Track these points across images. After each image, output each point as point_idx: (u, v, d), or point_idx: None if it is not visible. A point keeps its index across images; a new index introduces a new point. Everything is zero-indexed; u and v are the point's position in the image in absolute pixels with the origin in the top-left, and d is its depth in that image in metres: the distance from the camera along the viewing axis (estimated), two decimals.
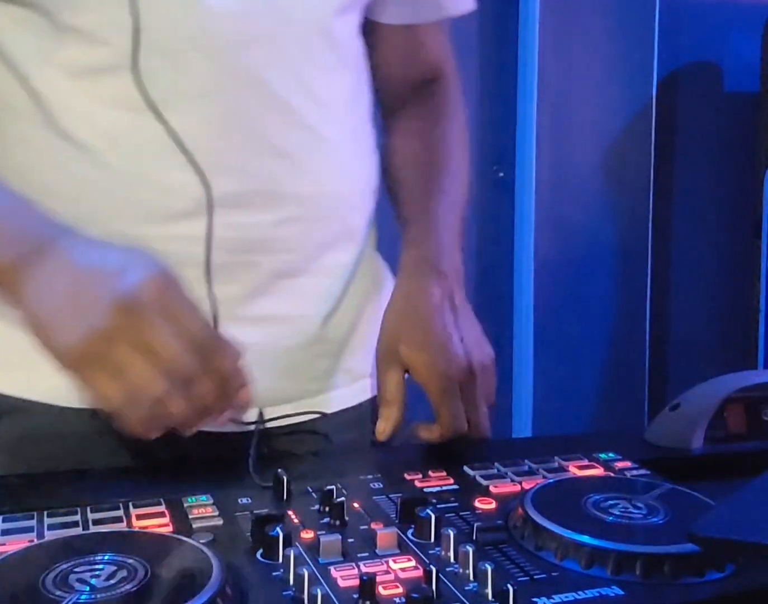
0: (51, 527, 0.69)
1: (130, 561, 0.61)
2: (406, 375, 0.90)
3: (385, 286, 1.06)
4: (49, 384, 0.84)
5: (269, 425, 0.91)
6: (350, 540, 0.67)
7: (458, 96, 1.11)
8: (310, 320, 0.95)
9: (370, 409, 1.01)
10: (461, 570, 0.63)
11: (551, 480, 0.78)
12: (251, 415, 0.87)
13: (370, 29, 1.03)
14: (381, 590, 0.60)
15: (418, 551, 0.66)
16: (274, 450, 0.91)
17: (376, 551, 0.66)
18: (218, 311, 0.86)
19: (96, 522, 0.70)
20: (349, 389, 1.00)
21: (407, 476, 0.80)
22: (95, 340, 0.70)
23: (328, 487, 0.74)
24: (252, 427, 0.87)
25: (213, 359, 0.73)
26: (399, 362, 0.89)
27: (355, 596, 0.59)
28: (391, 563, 0.64)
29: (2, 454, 0.91)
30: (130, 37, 0.82)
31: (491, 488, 0.78)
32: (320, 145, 0.93)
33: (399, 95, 1.09)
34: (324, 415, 0.97)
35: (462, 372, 0.88)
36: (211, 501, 0.74)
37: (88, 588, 0.58)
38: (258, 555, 0.65)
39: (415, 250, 0.96)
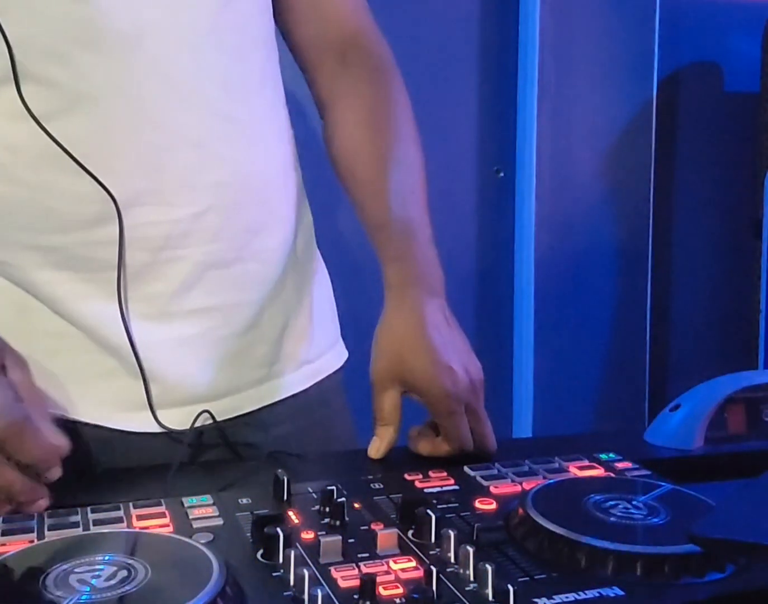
0: (51, 528, 0.69)
1: (131, 562, 0.61)
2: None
3: (321, 269, 1.06)
4: None
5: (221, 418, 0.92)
6: (350, 541, 0.67)
7: (392, 67, 1.06)
8: (245, 308, 0.95)
9: (317, 394, 1.01)
10: (461, 571, 0.63)
11: (552, 481, 0.78)
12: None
13: (279, 9, 1.00)
14: (381, 591, 0.60)
15: (419, 552, 0.66)
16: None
17: (377, 551, 0.66)
18: (130, 315, 0.88)
19: (96, 522, 0.70)
20: (294, 374, 1.00)
21: (407, 477, 0.80)
22: None
23: (329, 487, 0.74)
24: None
25: (15, 447, 0.71)
26: (398, 383, 0.89)
27: (356, 596, 0.59)
28: (391, 564, 0.64)
29: None
30: (15, 46, 0.81)
31: (491, 489, 0.78)
32: (232, 129, 0.91)
33: (320, 66, 1.05)
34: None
35: (466, 390, 0.88)
36: (212, 501, 0.74)
37: (88, 589, 0.58)
38: (258, 555, 0.65)
39: (399, 264, 0.94)
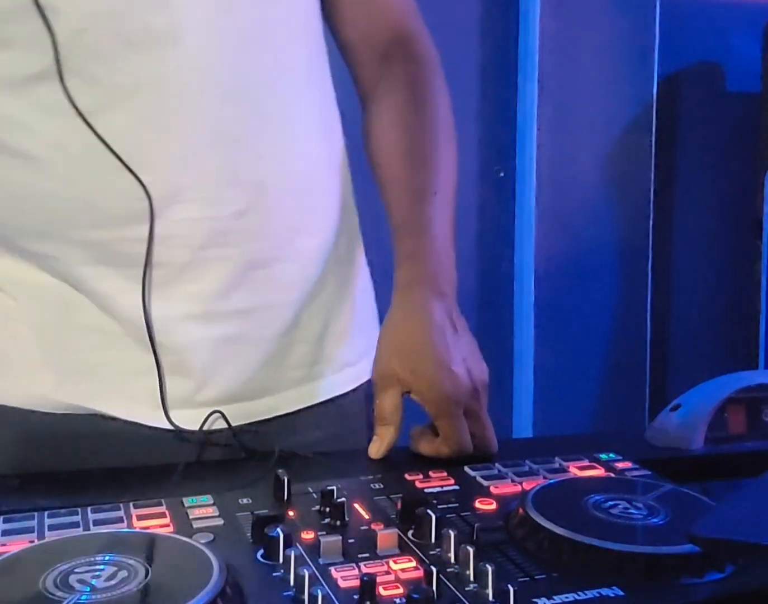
0: (51, 528, 0.69)
1: (131, 562, 0.61)
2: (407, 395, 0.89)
3: (364, 272, 1.05)
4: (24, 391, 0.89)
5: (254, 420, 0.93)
6: (350, 541, 0.67)
7: (435, 69, 1.05)
8: (285, 308, 0.94)
9: (363, 398, 1.01)
10: (462, 571, 0.63)
11: (552, 481, 0.78)
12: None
13: (329, 6, 1.00)
14: (381, 591, 0.60)
15: (419, 552, 0.66)
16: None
17: (377, 551, 0.66)
18: (171, 314, 0.88)
19: (96, 522, 0.70)
20: (335, 376, 0.99)
21: (408, 477, 0.80)
22: None
23: (329, 487, 0.73)
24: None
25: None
26: (398, 383, 0.88)
27: (356, 596, 0.59)
28: (391, 564, 0.64)
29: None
30: (63, 43, 0.81)
31: (492, 489, 0.78)
32: (273, 127, 0.90)
33: (366, 65, 1.04)
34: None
35: (467, 393, 0.87)
36: (212, 501, 0.74)
37: (88, 589, 0.58)
38: (258, 556, 0.65)
39: (413, 265, 0.93)
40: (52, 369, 0.90)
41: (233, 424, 0.91)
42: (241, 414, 0.92)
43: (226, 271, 0.90)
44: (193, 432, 0.90)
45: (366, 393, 1.02)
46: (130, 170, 0.83)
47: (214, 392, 0.92)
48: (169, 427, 0.91)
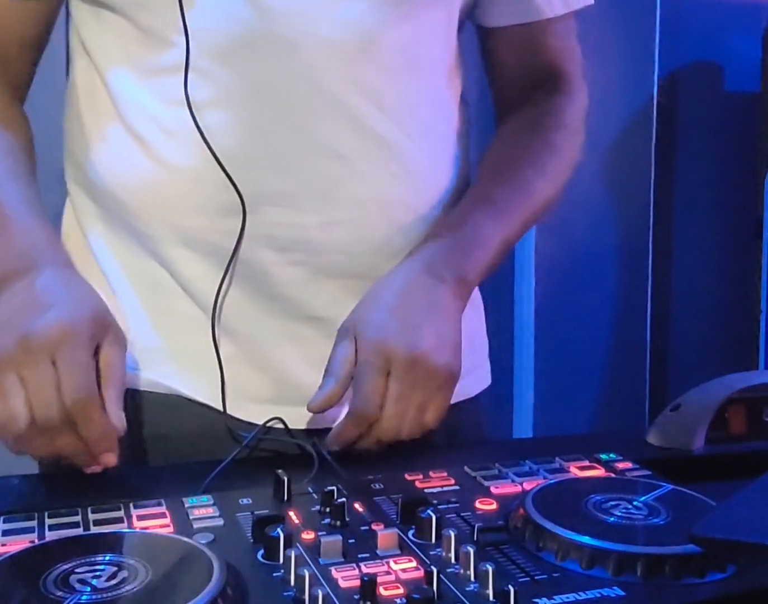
0: (52, 528, 0.69)
1: (131, 562, 0.61)
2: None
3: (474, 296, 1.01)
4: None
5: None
6: (351, 541, 0.67)
7: (575, 103, 1.04)
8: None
9: (475, 411, 1.00)
10: (462, 571, 0.63)
11: (552, 481, 0.77)
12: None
13: (483, 33, 1.03)
14: (382, 591, 0.60)
15: (419, 552, 0.66)
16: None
17: (377, 551, 0.66)
18: (256, 308, 0.91)
19: (97, 523, 0.70)
20: None
21: (408, 477, 0.80)
22: None
23: (329, 487, 0.73)
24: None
25: (78, 422, 0.75)
26: (353, 335, 0.85)
27: (356, 596, 0.59)
28: (392, 564, 0.64)
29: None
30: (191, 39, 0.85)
31: (492, 489, 0.78)
32: (380, 148, 0.91)
33: (512, 101, 1.05)
34: None
35: (400, 357, 0.82)
36: (212, 502, 0.74)
37: (89, 589, 0.58)
38: (259, 556, 0.65)
39: (425, 247, 0.91)
40: (141, 346, 0.93)
41: (296, 425, 0.91)
42: (306, 417, 0.91)
43: (305, 276, 0.91)
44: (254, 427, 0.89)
45: (479, 406, 1.01)
46: (221, 165, 0.87)
47: (286, 391, 0.93)
48: (238, 416, 0.92)
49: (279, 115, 0.88)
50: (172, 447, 0.93)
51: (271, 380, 0.94)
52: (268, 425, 0.89)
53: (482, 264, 0.92)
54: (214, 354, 0.91)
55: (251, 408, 0.93)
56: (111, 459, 0.78)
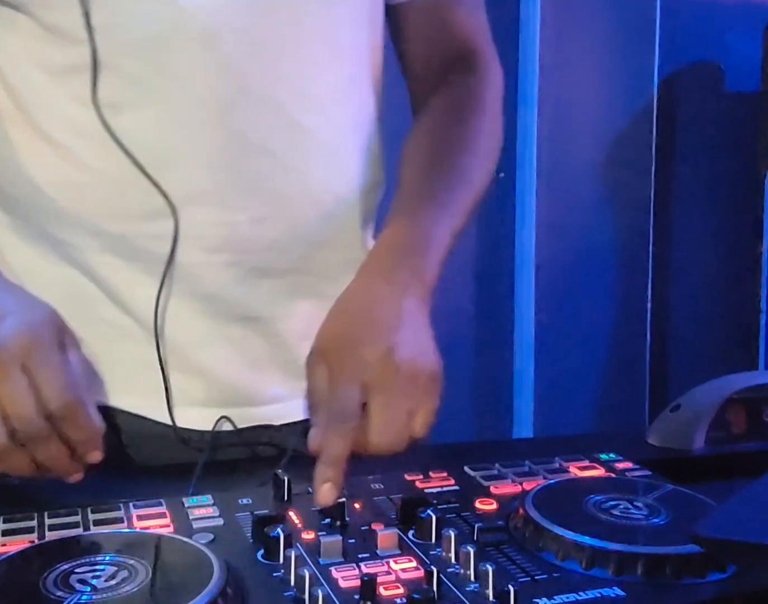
0: (52, 528, 0.69)
1: (131, 562, 0.61)
2: None
3: None
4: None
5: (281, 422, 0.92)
6: (351, 541, 0.67)
7: (489, 83, 1.02)
8: (297, 318, 0.93)
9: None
10: (462, 571, 0.63)
11: (552, 481, 0.77)
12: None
13: (393, 13, 0.99)
14: (382, 591, 0.60)
15: (419, 552, 0.66)
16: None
17: (377, 551, 0.66)
18: (183, 311, 0.88)
19: (97, 523, 0.70)
20: None
21: (408, 477, 0.80)
22: None
23: None
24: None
25: (63, 427, 0.72)
26: (323, 359, 0.78)
27: (356, 596, 0.59)
28: (392, 564, 0.64)
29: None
30: (98, 36, 0.82)
31: (492, 489, 0.78)
32: (305, 140, 0.89)
33: (423, 80, 1.02)
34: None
35: (376, 369, 0.76)
36: (212, 502, 0.74)
37: (89, 589, 0.58)
38: (259, 556, 0.65)
39: (380, 250, 0.88)
40: None
41: (240, 425, 0.90)
42: (249, 417, 0.92)
43: (237, 276, 0.89)
44: (202, 433, 0.90)
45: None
46: (141, 168, 0.84)
47: (224, 393, 0.92)
48: (180, 425, 0.90)
49: (202, 112, 0.85)
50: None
51: (209, 383, 0.92)
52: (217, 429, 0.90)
53: (437, 263, 0.88)
54: (143, 362, 0.89)
55: (189, 412, 0.91)
56: (98, 456, 0.75)
